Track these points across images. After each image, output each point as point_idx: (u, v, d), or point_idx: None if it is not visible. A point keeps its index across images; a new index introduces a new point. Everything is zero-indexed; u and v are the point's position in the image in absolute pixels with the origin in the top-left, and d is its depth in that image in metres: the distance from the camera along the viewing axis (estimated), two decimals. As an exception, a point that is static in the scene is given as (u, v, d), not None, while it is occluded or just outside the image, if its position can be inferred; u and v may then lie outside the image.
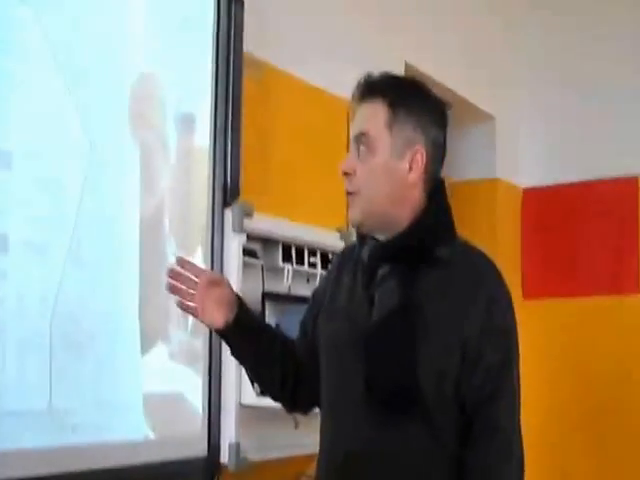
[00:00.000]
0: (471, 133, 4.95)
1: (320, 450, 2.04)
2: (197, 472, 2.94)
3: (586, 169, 5.06)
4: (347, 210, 1.99)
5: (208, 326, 2.05)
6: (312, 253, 3.44)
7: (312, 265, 3.43)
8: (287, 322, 3.09)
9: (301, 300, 3.24)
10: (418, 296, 1.89)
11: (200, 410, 2.94)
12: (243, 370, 2.87)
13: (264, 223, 3.13)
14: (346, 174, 1.94)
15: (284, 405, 2.23)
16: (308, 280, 3.46)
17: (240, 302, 2.03)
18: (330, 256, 3.49)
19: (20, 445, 2.35)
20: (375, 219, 1.95)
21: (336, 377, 1.99)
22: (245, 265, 3.11)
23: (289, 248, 3.31)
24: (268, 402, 2.91)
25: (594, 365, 4.99)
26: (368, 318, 1.92)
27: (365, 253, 1.99)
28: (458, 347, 1.88)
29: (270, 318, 3.12)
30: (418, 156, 1.93)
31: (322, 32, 3.72)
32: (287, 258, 3.31)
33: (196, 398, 2.93)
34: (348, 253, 2.11)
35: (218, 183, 3.01)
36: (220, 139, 3.01)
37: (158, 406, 2.79)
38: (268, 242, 3.26)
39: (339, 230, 3.52)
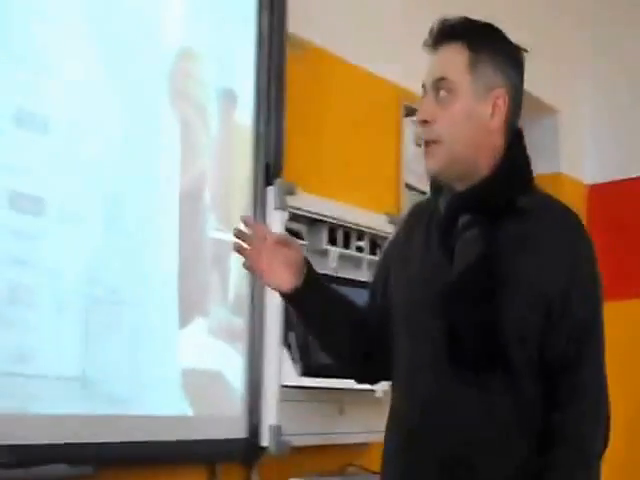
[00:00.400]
0: (534, 127, 4.90)
1: (394, 418, 1.99)
2: (237, 453, 2.98)
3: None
4: (425, 161, 1.91)
5: (275, 289, 1.98)
6: (359, 237, 3.45)
7: (359, 249, 3.45)
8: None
9: (348, 282, 3.27)
10: (500, 248, 1.86)
11: (240, 390, 2.97)
12: (285, 350, 2.95)
13: (308, 202, 3.16)
14: (425, 122, 1.89)
15: (353, 374, 2.18)
16: (357, 266, 3.48)
17: (309, 265, 1.98)
18: (379, 241, 3.51)
19: (52, 411, 2.40)
20: (455, 168, 1.90)
21: (416, 339, 1.93)
22: (288, 251, 3.14)
23: (335, 230, 3.33)
24: (310, 382, 2.96)
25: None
26: (448, 272, 1.87)
27: (442, 205, 1.95)
28: (543, 303, 1.85)
29: (314, 301, 3.14)
30: (500, 100, 1.90)
31: (371, 14, 3.75)
32: (333, 240, 3.33)
33: (236, 377, 2.97)
34: (418, 211, 2.07)
35: (260, 161, 3.06)
36: (263, 116, 3.06)
37: (196, 382, 2.82)
38: (313, 224, 3.29)
39: (388, 214, 3.52)
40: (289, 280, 1.94)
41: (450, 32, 1.93)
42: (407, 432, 1.91)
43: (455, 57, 1.90)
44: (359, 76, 3.68)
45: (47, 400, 2.40)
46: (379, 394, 2.89)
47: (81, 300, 2.50)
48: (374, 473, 3.22)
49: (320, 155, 3.41)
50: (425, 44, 1.95)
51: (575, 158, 5.13)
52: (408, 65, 3.72)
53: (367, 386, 2.92)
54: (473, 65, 1.89)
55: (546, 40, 4.89)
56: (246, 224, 1.95)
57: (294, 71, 3.23)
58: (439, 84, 1.88)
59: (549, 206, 1.95)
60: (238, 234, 1.93)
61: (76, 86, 2.52)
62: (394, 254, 2.05)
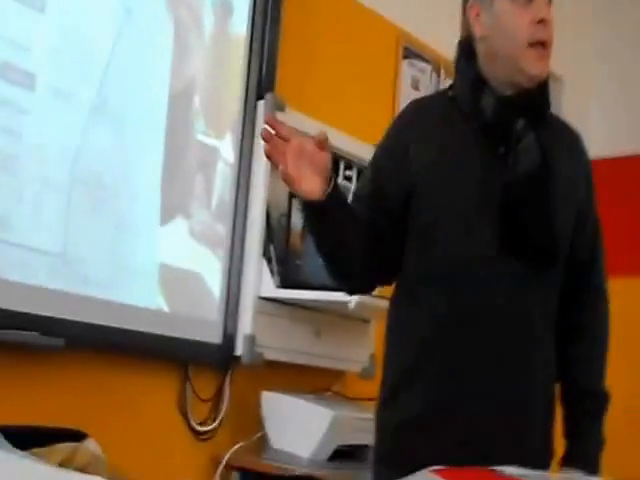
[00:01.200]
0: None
1: (433, 320, 2.09)
2: (210, 358, 3.15)
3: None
4: (538, 62, 2.04)
5: (305, 196, 1.93)
6: (348, 167, 3.62)
7: (347, 179, 3.62)
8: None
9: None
10: (548, 155, 2.08)
11: (217, 295, 3.15)
12: (265, 262, 3.13)
13: (298, 120, 3.32)
14: (547, 22, 2.04)
15: (353, 288, 2.30)
16: (344, 197, 3.65)
17: (335, 174, 2.08)
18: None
19: (29, 281, 2.58)
20: None
21: (472, 235, 2.05)
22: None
23: (324, 156, 3.49)
24: (287, 295, 3.14)
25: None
26: (505, 173, 2.05)
27: (488, 107, 2.08)
28: (575, 206, 2.14)
29: (296, 219, 3.31)
30: None
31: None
32: (321, 165, 3.49)
33: (214, 282, 3.14)
34: (428, 110, 2.20)
35: (253, 73, 3.25)
36: (258, 30, 3.26)
37: (174, 280, 3.00)
38: (302, 145, 3.45)
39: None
40: (320, 187, 1.92)
41: None
42: (462, 324, 2.05)
43: None
44: (360, 12, 3.87)
45: (25, 270, 2.57)
46: (352, 305, 3.05)
47: (66, 177, 2.67)
48: (350, 399, 3.42)
49: (314, 80, 3.60)
50: None
51: (580, 129, 5.27)
52: (410, 7, 3.94)
53: (343, 308, 3.13)
54: None
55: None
56: (268, 123, 1.92)
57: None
58: None
59: (565, 121, 2.25)
60: (265, 135, 1.90)
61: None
62: (405, 150, 2.12)
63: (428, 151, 2.10)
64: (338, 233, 2.03)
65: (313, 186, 1.91)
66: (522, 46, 2.04)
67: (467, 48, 2.14)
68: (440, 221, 2.07)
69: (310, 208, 1.96)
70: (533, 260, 2.06)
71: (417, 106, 2.28)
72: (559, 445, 2.18)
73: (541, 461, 2.08)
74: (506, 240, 2.03)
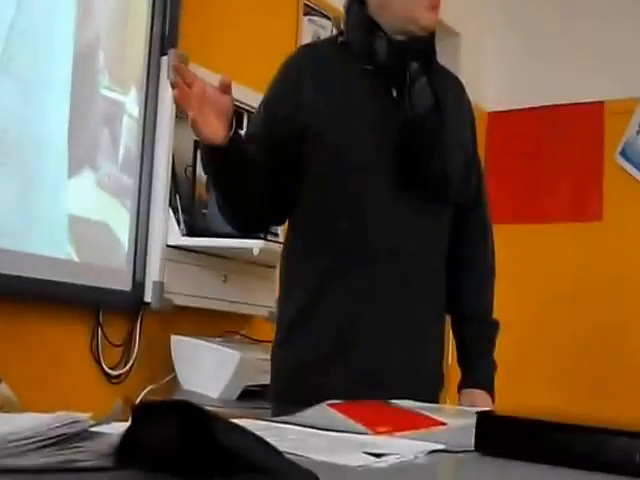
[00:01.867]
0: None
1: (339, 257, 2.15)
2: (121, 305, 3.25)
3: (553, 92, 5.34)
4: (430, 13, 2.15)
5: (207, 140, 1.97)
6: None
7: (251, 131, 3.71)
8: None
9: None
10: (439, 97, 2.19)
11: (126, 244, 3.24)
12: (171, 211, 3.22)
13: (201, 75, 3.40)
14: None
15: (252, 227, 2.40)
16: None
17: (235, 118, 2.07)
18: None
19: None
20: None
21: (369, 173, 2.13)
22: (181, 118, 3.38)
23: (228, 109, 3.59)
24: (194, 243, 3.24)
25: (555, 291, 5.28)
26: (401, 113, 2.13)
27: (381, 50, 2.15)
28: (463, 148, 2.27)
29: (201, 169, 3.40)
30: None
31: None
32: (225, 119, 3.59)
33: (122, 232, 3.23)
34: (317, 56, 2.25)
35: (156, 30, 3.33)
36: (160, -14, 3.33)
37: (83, 231, 3.09)
38: (206, 100, 3.55)
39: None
40: (222, 131, 1.96)
41: None
42: (361, 261, 2.13)
43: None
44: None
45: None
46: (256, 251, 3.17)
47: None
48: (257, 341, 3.54)
49: (217, 36, 3.68)
50: None
51: (476, 84, 5.44)
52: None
53: (248, 255, 3.24)
54: None
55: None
56: (175, 70, 1.96)
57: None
58: None
59: (447, 69, 2.38)
60: (173, 82, 1.95)
61: None
62: (311, 101, 2.14)
63: (322, 94, 2.15)
64: (237, 177, 2.07)
65: (215, 129, 1.94)
66: None
67: None
68: (337, 163, 2.14)
69: (211, 152, 2.00)
70: (430, 197, 2.17)
71: (308, 50, 2.35)
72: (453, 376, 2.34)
73: (433, 388, 2.25)
74: (404, 178, 2.13)
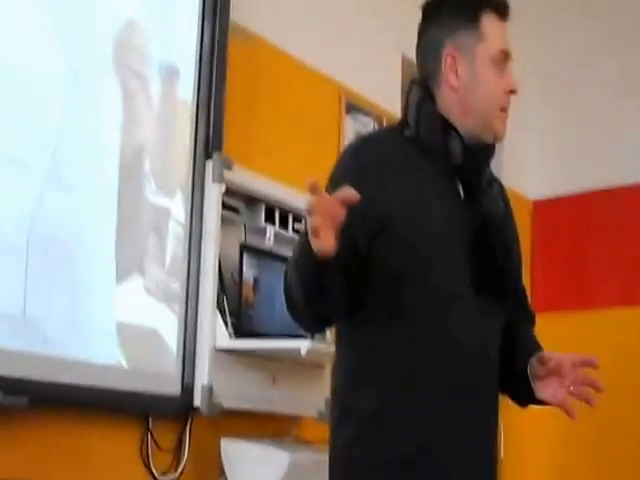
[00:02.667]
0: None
1: (414, 354, 2.09)
2: (170, 410, 3.22)
3: (597, 177, 5.31)
4: (504, 126, 2.17)
5: (322, 252, 1.84)
6: (297, 220, 3.71)
7: (297, 231, 3.70)
8: (266, 278, 3.40)
9: (283, 259, 3.53)
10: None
11: (174, 349, 3.22)
12: (219, 314, 3.21)
13: (245, 178, 3.44)
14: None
15: (326, 325, 2.37)
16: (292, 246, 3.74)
17: None
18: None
19: (-8, 343, 2.64)
20: None
21: (442, 276, 2.10)
22: (227, 221, 3.42)
23: (273, 210, 3.60)
24: (242, 345, 3.22)
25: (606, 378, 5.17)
26: (474, 219, 2.13)
27: (455, 148, 2.13)
28: (516, 246, 2.29)
29: (248, 272, 3.40)
30: None
31: (317, 10, 4.11)
32: (270, 220, 3.60)
33: (171, 336, 3.21)
34: (387, 145, 2.21)
35: (200, 134, 3.35)
36: (204, 91, 3.36)
37: (132, 337, 3.07)
38: (251, 202, 3.56)
39: (325, 200, 3.78)
40: (334, 242, 1.85)
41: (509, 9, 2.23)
42: (441, 358, 2.09)
43: None
44: (303, 71, 3.99)
45: (-14, 333, 2.64)
46: (303, 352, 3.14)
47: (23, 242, 2.74)
48: (307, 442, 3.49)
49: (261, 137, 3.70)
50: (499, 11, 2.19)
51: (519, 172, 5.43)
52: (350, 64, 4.08)
53: (296, 355, 3.20)
54: None
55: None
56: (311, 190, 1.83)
57: (237, 58, 3.53)
58: (509, 57, 2.20)
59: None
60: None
61: (24, 42, 2.80)
62: (389, 194, 2.08)
63: (399, 188, 2.09)
64: (332, 284, 1.97)
65: (329, 241, 1.84)
66: (495, 109, 2.15)
67: (427, 89, 2.19)
68: (413, 259, 2.08)
69: (320, 263, 1.89)
70: (498, 295, 2.16)
71: (374, 142, 2.28)
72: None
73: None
74: (477, 277, 2.11)
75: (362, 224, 2.01)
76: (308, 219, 1.82)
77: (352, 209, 1.89)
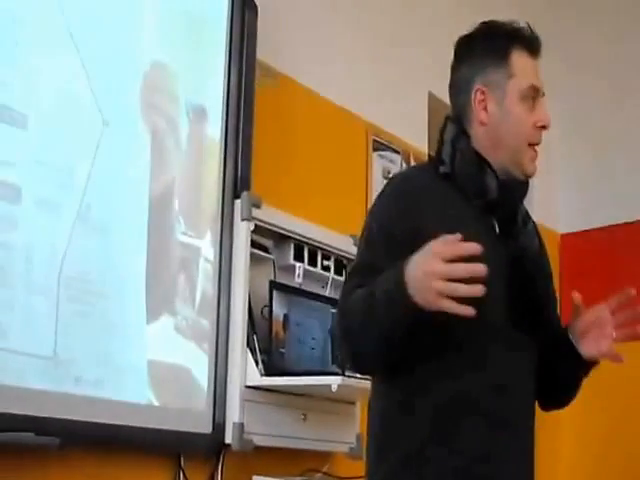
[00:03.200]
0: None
1: (457, 383, 2.09)
2: (202, 448, 3.20)
3: (624, 211, 5.27)
4: (534, 162, 2.17)
5: (428, 306, 1.88)
6: (326, 257, 3.71)
7: (325, 269, 3.70)
8: (295, 314, 3.39)
9: (312, 296, 3.53)
10: None
11: (205, 387, 3.20)
12: (249, 352, 3.19)
13: (274, 216, 3.44)
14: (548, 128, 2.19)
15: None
16: (323, 286, 3.73)
17: None
18: (344, 262, 3.76)
19: (24, 384, 2.64)
20: None
21: (483, 307, 1.98)
22: (256, 259, 3.42)
23: (302, 247, 3.59)
24: (272, 382, 3.20)
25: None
26: (505, 252, 2.12)
27: (491, 183, 2.14)
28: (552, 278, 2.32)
29: (278, 309, 3.39)
30: None
31: (342, 49, 4.11)
32: (299, 257, 3.59)
33: (201, 374, 3.20)
34: (424, 183, 2.20)
35: (229, 174, 3.35)
36: (232, 131, 3.37)
37: (162, 375, 3.06)
38: (280, 239, 3.55)
39: (353, 236, 3.77)
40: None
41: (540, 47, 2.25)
42: (483, 394, 2.08)
43: None
44: (329, 109, 4.00)
45: (19, 374, 2.63)
46: (334, 388, 3.12)
47: (54, 283, 2.74)
48: (339, 478, 3.46)
49: (288, 176, 3.71)
50: (529, 48, 2.21)
51: (547, 207, 5.41)
52: (377, 102, 4.08)
53: (327, 392, 3.19)
54: None
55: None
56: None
57: (264, 97, 3.55)
58: (542, 91, 2.21)
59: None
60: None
61: (52, 87, 2.82)
62: (432, 232, 1.98)
63: (441, 226, 2.01)
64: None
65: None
66: (524, 144, 2.15)
67: (461, 126, 2.20)
68: None
69: (407, 315, 1.93)
70: (532, 327, 2.16)
71: (411, 178, 2.28)
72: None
73: None
74: (513, 310, 2.11)
75: (408, 254, 1.94)
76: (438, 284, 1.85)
77: (399, 246, 2.00)
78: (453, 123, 2.22)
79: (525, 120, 2.15)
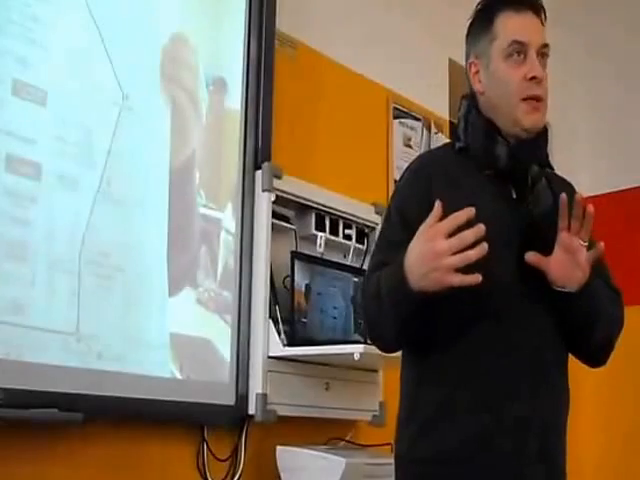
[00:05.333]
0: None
1: (467, 360, 2.07)
2: (225, 419, 3.13)
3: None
4: (531, 115, 2.09)
5: (439, 286, 1.90)
6: (347, 226, 3.61)
7: (347, 237, 3.61)
8: (317, 284, 3.30)
9: (334, 265, 3.44)
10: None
11: (228, 359, 3.13)
12: (271, 323, 3.11)
13: (295, 186, 3.34)
14: (540, 80, 2.11)
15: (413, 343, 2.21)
16: (345, 255, 3.64)
17: None
18: (366, 230, 3.67)
19: (47, 360, 2.57)
20: None
21: (493, 273, 1.98)
22: (278, 230, 3.32)
23: (323, 217, 3.49)
24: (295, 352, 3.12)
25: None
26: (522, 214, 2.09)
27: (501, 152, 2.11)
28: None
29: (299, 279, 3.30)
30: None
31: (362, 18, 3.99)
32: (321, 227, 3.49)
33: (224, 347, 3.12)
34: (441, 161, 2.21)
35: (249, 145, 3.26)
36: (252, 102, 3.27)
37: (185, 348, 2.98)
38: (301, 209, 3.46)
39: (375, 204, 3.68)
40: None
41: (540, 5, 2.19)
42: (499, 351, 2.04)
43: (543, 28, 2.17)
44: (349, 77, 3.89)
45: (42, 351, 2.56)
46: (357, 356, 3.03)
47: (75, 259, 2.66)
48: (362, 446, 3.39)
49: (309, 145, 3.61)
50: (514, 5, 2.14)
51: (569, 170, 5.26)
52: (397, 69, 3.96)
53: (349, 360, 3.11)
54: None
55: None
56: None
57: (285, 68, 3.45)
58: (544, 49, 2.14)
59: (560, 176, 2.29)
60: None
61: (72, 62, 2.72)
62: (429, 197, 2.02)
63: (453, 200, 2.00)
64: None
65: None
66: (515, 100, 2.10)
67: (473, 102, 2.19)
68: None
69: (417, 298, 1.94)
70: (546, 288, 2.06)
71: (430, 156, 2.35)
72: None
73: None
74: (527, 275, 2.04)
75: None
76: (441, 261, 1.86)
77: (407, 215, 2.09)
78: (466, 99, 2.23)
79: (511, 76, 2.10)
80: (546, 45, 2.14)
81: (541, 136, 2.15)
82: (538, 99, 2.11)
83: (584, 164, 5.38)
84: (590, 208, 1.98)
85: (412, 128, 4.17)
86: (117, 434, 2.77)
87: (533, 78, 2.09)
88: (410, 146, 4.12)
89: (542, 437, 2.06)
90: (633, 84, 5.36)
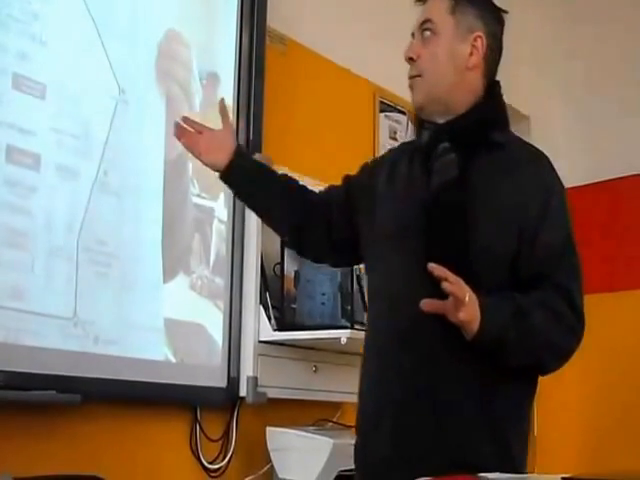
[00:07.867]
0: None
1: (372, 336, 2.13)
2: (217, 401, 3.15)
3: (626, 163, 5.16)
4: (411, 93, 2.13)
5: (211, 166, 2.27)
6: (335, 215, 3.61)
7: (335, 226, 3.61)
8: (306, 271, 3.30)
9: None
10: (474, 173, 1.99)
11: (220, 343, 3.15)
12: (261, 308, 3.13)
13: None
14: (411, 59, 2.09)
15: (289, 242, 2.49)
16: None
17: (238, 145, 2.30)
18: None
19: (45, 344, 2.58)
20: (436, 102, 2.08)
21: (397, 253, 2.02)
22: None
23: (312, 207, 3.50)
24: (284, 337, 3.14)
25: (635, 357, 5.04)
26: (426, 189, 2.02)
27: (425, 137, 2.10)
28: (514, 229, 1.96)
29: (289, 266, 3.32)
30: (479, 41, 2.08)
31: (349, 13, 4.00)
32: (309, 217, 3.50)
33: (217, 331, 3.15)
34: (405, 147, 2.25)
35: (241, 137, 3.26)
36: (244, 97, 3.29)
37: (179, 333, 3.00)
38: (291, 200, 3.46)
39: (362, 195, 3.69)
40: (223, 159, 2.24)
41: None
42: (389, 335, 2.02)
43: (439, 3, 2.12)
44: (337, 72, 3.90)
45: (40, 335, 2.57)
46: (343, 340, 3.05)
47: (73, 247, 2.67)
48: (349, 427, 3.41)
49: (298, 138, 3.62)
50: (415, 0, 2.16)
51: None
52: (382, 64, 3.97)
53: (336, 344, 3.12)
54: (454, 9, 2.10)
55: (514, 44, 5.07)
56: (185, 122, 2.31)
57: (275, 63, 3.45)
58: (424, 25, 2.11)
59: (523, 143, 2.14)
60: (178, 134, 2.30)
61: (71, 58, 2.73)
62: (379, 174, 2.19)
63: (386, 180, 2.16)
64: (253, 189, 2.28)
65: (218, 158, 2.26)
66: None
67: None
68: (372, 235, 2.14)
69: (222, 178, 2.28)
70: (451, 269, 1.85)
71: (400, 145, 2.39)
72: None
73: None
74: (429, 250, 1.93)
75: (354, 185, 2.28)
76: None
77: (352, 179, 2.32)
78: None
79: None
80: (425, 21, 2.10)
81: (463, 117, 2.06)
82: (411, 78, 2.11)
83: (563, 155, 5.38)
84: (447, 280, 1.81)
85: (398, 121, 4.19)
86: (113, 415, 2.79)
87: (406, 59, 2.11)
88: (396, 139, 4.14)
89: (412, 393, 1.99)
90: (608, 77, 5.35)
